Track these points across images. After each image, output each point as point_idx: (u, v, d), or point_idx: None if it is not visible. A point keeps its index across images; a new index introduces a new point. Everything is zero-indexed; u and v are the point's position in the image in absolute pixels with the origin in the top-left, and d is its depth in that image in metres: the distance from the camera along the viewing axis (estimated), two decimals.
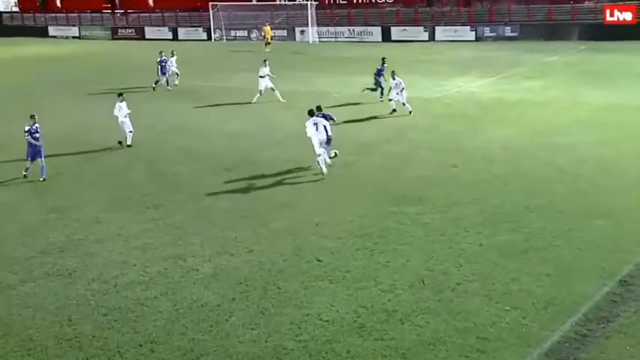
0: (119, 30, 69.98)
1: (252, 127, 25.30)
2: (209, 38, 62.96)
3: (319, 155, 18.58)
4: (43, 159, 19.51)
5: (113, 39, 68.95)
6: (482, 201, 16.15)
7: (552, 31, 49.53)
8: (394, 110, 26.07)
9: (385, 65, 28.49)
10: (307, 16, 57.61)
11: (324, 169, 18.59)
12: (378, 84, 28.60)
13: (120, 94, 23.41)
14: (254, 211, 16.22)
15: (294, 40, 58.82)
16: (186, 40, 63.32)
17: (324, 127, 18.57)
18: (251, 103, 29.26)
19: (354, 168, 19.52)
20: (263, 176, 19.01)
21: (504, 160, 19.70)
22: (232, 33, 62.35)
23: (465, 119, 25.15)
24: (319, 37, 57.51)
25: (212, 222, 15.60)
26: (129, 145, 22.80)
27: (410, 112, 25.76)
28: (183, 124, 26.33)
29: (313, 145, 18.58)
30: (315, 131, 18.50)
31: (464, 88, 31.84)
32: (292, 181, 18.57)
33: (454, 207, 15.83)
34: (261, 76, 29.48)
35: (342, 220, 15.32)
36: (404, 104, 25.88)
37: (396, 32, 55.47)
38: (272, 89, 29.33)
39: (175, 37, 65.35)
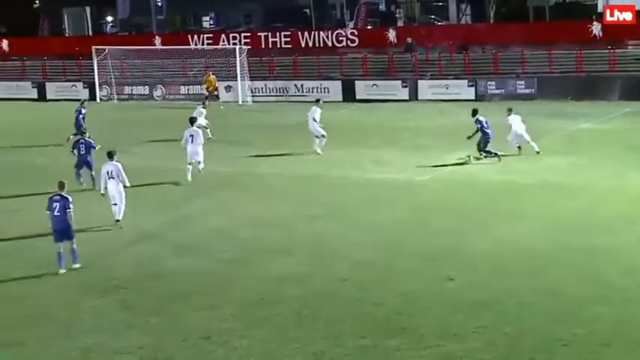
0: None
1: (156, 225, 25.31)
2: (93, 98, 62.85)
3: (190, 164, 30.09)
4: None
5: None
6: (493, 330, 16.23)
7: (584, 87, 50.34)
8: None
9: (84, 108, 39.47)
10: (235, 66, 58.27)
11: (189, 178, 30.17)
12: (79, 128, 36.99)
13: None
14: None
15: (217, 99, 59.14)
16: (59, 101, 62.88)
17: None
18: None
19: (305, 284, 19.53)
20: (169, 297, 18.94)
21: (522, 270, 19.93)
22: (127, 90, 62.63)
23: (464, 212, 25.53)
24: (253, 96, 58.06)
25: None
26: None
27: None
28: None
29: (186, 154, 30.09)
30: (190, 142, 30.29)
31: (461, 167, 32.41)
32: (214, 301, 18.51)
33: (451, 339, 15.86)
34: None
35: None
36: None
37: (362, 88, 56.15)
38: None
39: (42, 97, 65.10)
